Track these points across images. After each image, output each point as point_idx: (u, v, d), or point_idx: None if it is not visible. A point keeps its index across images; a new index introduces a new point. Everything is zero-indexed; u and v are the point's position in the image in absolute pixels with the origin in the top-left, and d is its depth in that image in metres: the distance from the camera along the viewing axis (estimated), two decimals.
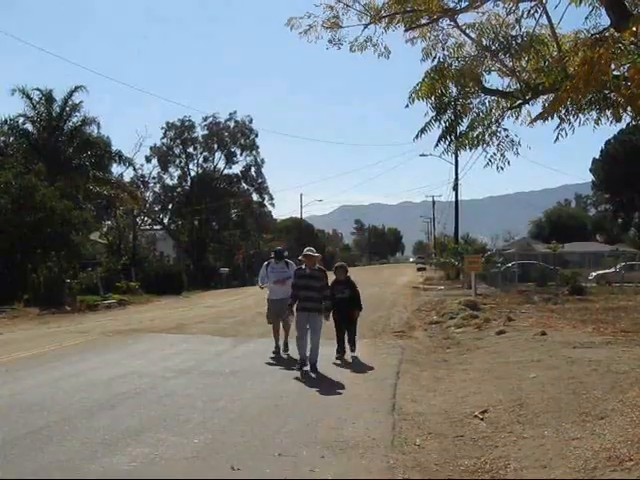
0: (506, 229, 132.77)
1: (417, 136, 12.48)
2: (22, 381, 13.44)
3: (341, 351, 16.48)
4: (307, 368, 14.56)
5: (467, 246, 57.44)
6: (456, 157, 58.73)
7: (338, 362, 15.84)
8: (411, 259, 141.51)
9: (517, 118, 12.46)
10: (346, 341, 16.74)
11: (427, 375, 14.13)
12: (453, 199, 64.23)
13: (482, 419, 10.00)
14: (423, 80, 11.74)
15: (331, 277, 16.16)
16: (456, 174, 61.34)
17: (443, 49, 12.19)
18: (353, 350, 16.77)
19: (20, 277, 34.79)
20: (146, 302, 41.22)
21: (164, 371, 14.50)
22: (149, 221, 76.34)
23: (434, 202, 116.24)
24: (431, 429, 9.60)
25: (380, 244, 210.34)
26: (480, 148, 12.02)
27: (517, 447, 8.39)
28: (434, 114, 12.14)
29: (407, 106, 12.15)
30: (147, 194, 75.30)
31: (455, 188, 62.44)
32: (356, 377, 13.93)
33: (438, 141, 12.35)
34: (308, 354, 14.69)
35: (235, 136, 77.65)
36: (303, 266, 15.05)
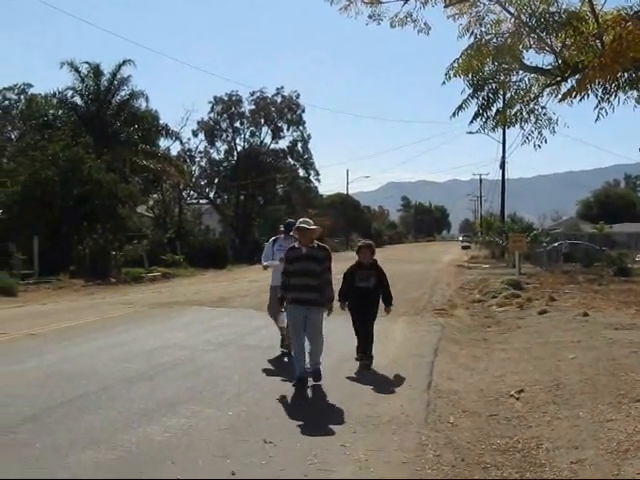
0: (554, 209, 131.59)
1: (454, 114, 12.43)
2: (63, 351, 13.64)
3: (363, 350, 12.56)
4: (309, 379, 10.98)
5: (513, 225, 56.98)
6: (503, 135, 58.34)
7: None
8: (460, 237, 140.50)
9: (556, 96, 12.35)
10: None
11: (465, 353, 14.11)
12: (500, 177, 63.81)
13: (518, 399, 9.97)
14: (460, 57, 11.67)
15: (344, 262, 13.68)
16: (503, 152, 60.94)
17: (481, 25, 12.08)
18: (369, 353, 12.55)
19: (66, 249, 35.15)
20: (190, 275, 41.50)
21: (204, 344, 14.63)
22: (195, 195, 76.64)
23: (481, 180, 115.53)
24: (466, 407, 9.60)
25: (426, 222, 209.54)
26: (518, 125, 11.96)
27: (551, 427, 8.36)
28: (471, 91, 12.08)
29: (444, 83, 12.12)
30: (193, 168, 75.57)
31: (502, 166, 62.06)
32: (394, 354, 13.93)
33: (474, 118, 12.30)
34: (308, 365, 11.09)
35: (282, 111, 77.53)
36: (296, 244, 11.15)
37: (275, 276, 13.26)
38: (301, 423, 8.57)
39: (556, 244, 44.84)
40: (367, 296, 12.58)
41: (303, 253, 10.81)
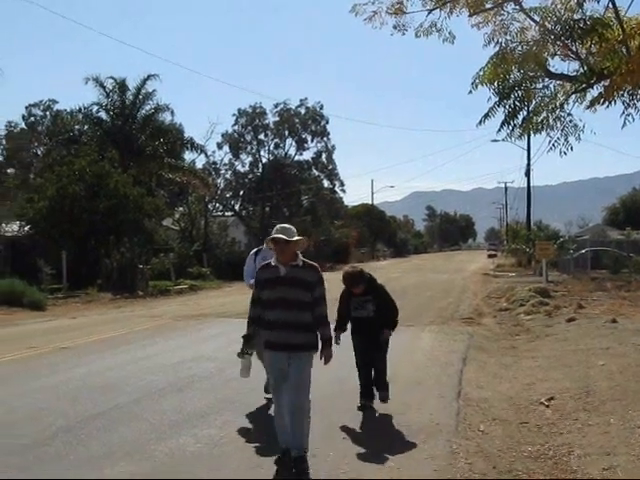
0: (580, 215, 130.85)
1: (481, 122, 12.42)
2: (93, 364, 13.74)
3: (367, 395, 10.12)
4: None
5: (539, 232, 56.74)
6: (528, 142, 58.06)
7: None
8: (487, 246, 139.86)
9: (581, 103, 12.35)
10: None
11: (494, 362, 14.08)
12: (526, 185, 63.56)
13: (548, 406, 9.95)
14: (486, 65, 11.70)
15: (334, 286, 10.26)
16: (528, 159, 60.62)
17: (506, 34, 12.08)
18: (384, 396, 10.15)
19: (94, 263, 35.38)
20: (217, 288, 41.55)
21: (232, 355, 14.59)
22: (221, 207, 76.88)
23: (506, 188, 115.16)
24: (496, 415, 9.59)
25: (452, 231, 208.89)
26: (544, 133, 11.97)
27: (582, 434, 8.34)
28: (497, 99, 12.08)
29: (470, 92, 12.15)
30: (219, 180, 75.83)
31: (527, 174, 61.74)
32: (423, 363, 13.91)
33: (501, 126, 12.28)
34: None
35: (306, 122, 77.69)
36: (273, 261, 7.65)
37: None
38: (332, 433, 8.60)
39: (582, 251, 44.61)
40: (368, 326, 9.94)
41: (282, 275, 7.35)
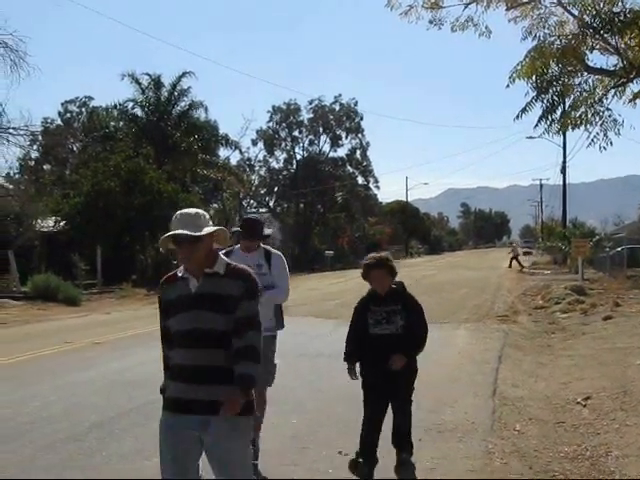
0: (616, 213, 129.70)
1: (518, 116, 12.33)
2: (127, 359, 13.80)
3: (369, 456, 6.90)
4: None
5: (575, 230, 56.32)
6: (564, 138, 57.54)
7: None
8: (511, 243, 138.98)
9: (621, 97, 12.20)
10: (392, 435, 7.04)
11: (530, 360, 13.96)
12: (561, 182, 63.09)
13: (584, 405, 9.82)
14: (524, 59, 11.58)
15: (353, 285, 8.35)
16: (564, 156, 60.13)
17: (544, 27, 11.97)
18: (405, 460, 6.89)
19: (128, 258, 35.57)
20: None
21: None
22: (255, 204, 77.15)
23: (541, 185, 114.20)
24: (531, 414, 9.48)
25: (486, 228, 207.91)
26: (582, 128, 11.85)
27: (619, 435, 8.21)
28: (535, 94, 11.96)
29: (508, 86, 12.06)
30: (253, 177, 76.09)
31: (563, 171, 61.28)
32: (458, 360, 13.83)
33: (538, 121, 12.18)
34: None
35: (340, 119, 77.58)
36: (180, 271, 4.87)
37: None
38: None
39: (619, 249, 44.18)
40: (393, 349, 6.78)
41: (192, 292, 4.71)
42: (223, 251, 7.23)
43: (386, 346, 6.78)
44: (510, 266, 56.83)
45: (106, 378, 11.87)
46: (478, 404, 10.09)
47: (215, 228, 4.80)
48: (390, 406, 7.00)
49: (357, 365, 7.14)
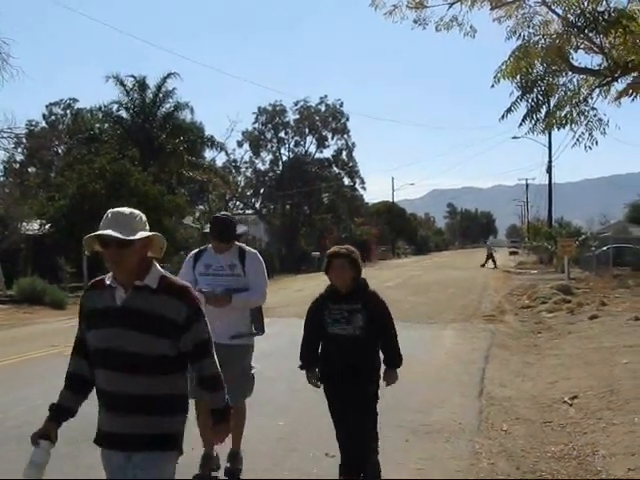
0: (602, 212, 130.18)
1: (503, 116, 12.32)
2: None
3: (353, 466, 6.19)
4: None
5: (561, 230, 56.48)
6: (549, 138, 57.67)
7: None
8: (508, 244, 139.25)
9: (606, 97, 12.23)
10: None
11: (516, 360, 13.99)
12: (547, 182, 63.30)
13: (571, 405, 9.85)
14: (508, 59, 11.59)
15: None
16: (549, 156, 60.26)
17: (528, 27, 11.99)
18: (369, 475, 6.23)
19: None
20: None
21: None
22: (241, 205, 77.03)
23: (527, 185, 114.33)
24: (519, 414, 9.50)
25: (472, 228, 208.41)
26: (568, 128, 11.86)
27: (606, 434, 8.22)
28: (519, 93, 11.97)
29: (492, 86, 12.04)
30: (239, 178, 75.99)
31: (549, 170, 61.46)
32: (444, 360, 13.85)
33: (522, 120, 12.17)
34: None
35: (326, 120, 77.54)
36: (108, 279, 4.16)
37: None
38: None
39: (604, 248, 44.34)
40: (351, 353, 6.21)
41: (118, 304, 4.09)
42: (195, 250, 7.42)
43: (344, 348, 6.23)
44: (484, 265, 58.34)
45: None
46: (465, 404, 10.11)
47: (149, 233, 4.11)
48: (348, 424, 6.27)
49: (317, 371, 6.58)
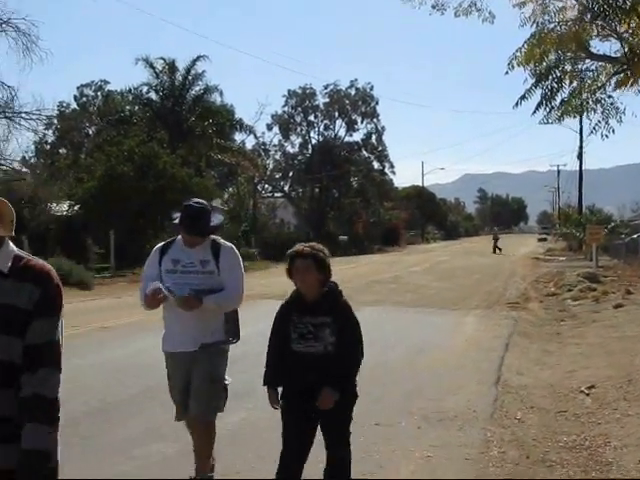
0: (634, 199, 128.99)
1: (517, 104, 12.22)
2: (134, 344, 13.83)
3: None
4: None
5: (592, 217, 56.10)
6: (580, 125, 57.13)
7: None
8: (538, 230, 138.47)
9: (623, 84, 12.07)
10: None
11: (537, 348, 13.92)
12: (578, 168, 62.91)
13: (588, 395, 9.77)
14: (523, 46, 11.49)
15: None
16: (580, 142, 59.64)
17: (545, 13, 11.87)
18: None
19: (142, 243, 35.63)
20: (264, 269, 41.60)
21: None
22: (270, 188, 77.19)
23: (559, 171, 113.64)
24: (534, 403, 9.44)
25: (503, 214, 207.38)
26: (586, 115, 11.76)
27: (620, 425, 8.16)
28: (534, 81, 11.87)
29: (507, 73, 11.95)
30: (268, 162, 76.12)
31: (579, 157, 61.03)
32: (463, 347, 13.81)
33: (536, 108, 12.08)
34: None
35: (356, 104, 77.51)
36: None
37: (168, 328, 6.55)
38: (367, 418, 8.35)
39: (635, 236, 43.95)
40: (322, 371, 5.18)
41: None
42: (161, 243, 6.49)
43: (308, 370, 5.23)
44: (494, 251, 59.97)
45: (111, 363, 11.91)
46: (481, 391, 10.08)
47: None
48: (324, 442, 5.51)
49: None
